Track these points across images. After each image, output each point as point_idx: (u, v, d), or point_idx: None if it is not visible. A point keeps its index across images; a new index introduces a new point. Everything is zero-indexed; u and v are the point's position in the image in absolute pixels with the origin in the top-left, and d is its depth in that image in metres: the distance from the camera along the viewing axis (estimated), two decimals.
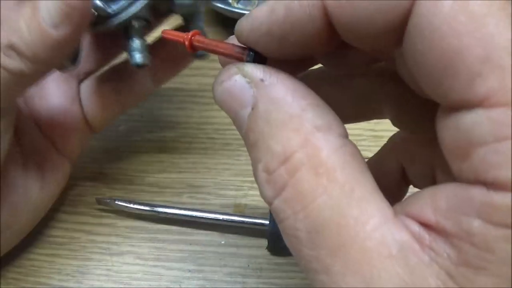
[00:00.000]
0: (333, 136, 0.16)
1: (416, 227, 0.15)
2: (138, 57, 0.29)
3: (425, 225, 0.15)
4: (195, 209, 0.37)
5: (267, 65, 0.18)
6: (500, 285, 0.14)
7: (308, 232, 0.16)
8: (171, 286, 0.35)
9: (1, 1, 0.28)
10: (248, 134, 0.18)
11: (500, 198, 0.13)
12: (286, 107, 0.17)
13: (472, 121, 0.14)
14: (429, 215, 0.15)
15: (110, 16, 0.27)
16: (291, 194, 0.16)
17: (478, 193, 0.14)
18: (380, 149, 0.26)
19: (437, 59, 0.14)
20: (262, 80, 0.17)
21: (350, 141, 0.17)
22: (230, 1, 0.49)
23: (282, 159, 0.17)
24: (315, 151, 0.16)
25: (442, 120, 0.15)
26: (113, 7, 0.27)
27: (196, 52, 0.21)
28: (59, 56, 0.28)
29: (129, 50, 0.29)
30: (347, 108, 0.23)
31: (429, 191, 0.16)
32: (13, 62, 0.26)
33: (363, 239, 0.15)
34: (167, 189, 0.39)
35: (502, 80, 0.13)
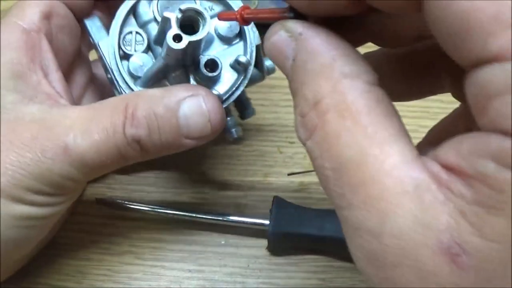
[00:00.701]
0: (360, 82, 0.18)
1: (437, 168, 0.16)
2: (235, 132, 0.33)
3: (447, 166, 0.16)
4: (195, 209, 0.37)
5: (307, 21, 0.20)
6: (510, 226, 0.14)
7: (333, 170, 0.17)
8: (171, 286, 0.35)
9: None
10: (290, 83, 0.20)
11: None
12: (319, 57, 0.19)
13: (488, 75, 0.14)
14: (451, 158, 0.16)
15: (222, 101, 0.30)
16: (319, 135, 0.18)
17: (495, 139, 0.15)
18: (451, 112, 0.27)
19: (452, 21, 0.15)
20: (300, 34, 0.19)
21: (378, 87, 0.18)
22: None
23: (312, 104, 0.18)
24: (342, 96, 0.18)
25: (466, 79, 0.16)
26: (221, 93, 0.30)
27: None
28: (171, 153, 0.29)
29: (226, 128, 0.33)
30: (410, 85, 0.24)
31: (457, 138, 0.16)
32: (133, 154, 0.28)
33: (381, 177, 0.16)
34: (167, 189, 0.39)
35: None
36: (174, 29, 0.26)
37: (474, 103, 0.15)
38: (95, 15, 0.32)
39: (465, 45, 0.15)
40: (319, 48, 0.19)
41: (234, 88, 0.30)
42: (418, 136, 0.26)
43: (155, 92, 0.28)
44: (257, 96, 0.41)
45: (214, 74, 0.29)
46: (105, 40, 0.31)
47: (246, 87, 0.31)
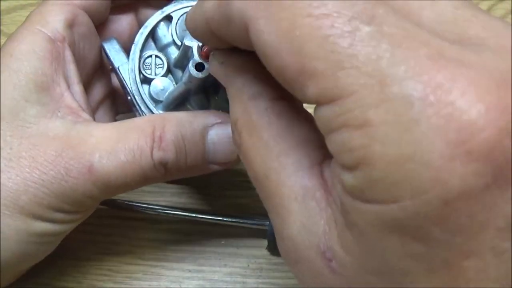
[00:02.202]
0: (261, 101, 0.19)
1: (328, 173, 0.17)
2: None
3: None
4: (195, 209, 0.37)
5: (229, 49, 0.21)
6: (356, 245, 0.16)
7: (253, 181, 0.20)
8: (171, 286, 0.35)
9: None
10: None
11: (346, 176, 0.15)
12: (234, 83, 0.21)
13: (316, 115, 0.16)
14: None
15: None
16: (241, 152, 0.20)
17: (336, 167, 0.16)
18: None
19: (275, 74, 0.16)
20: (222, 62, 0.22)
21: (280, 101, 0.19)
22: None
23: (234, 125, 0.20)
24: (248, 116, 0.19)
25: None
26: None
27: None
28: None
29: None
30: None
31: None
32: (157, 176, 0.28)
33: (280, 187, 0.18)
34: (167, 189, 0.39)
35: (317, 85, 0.15)
36: (197, 58, 0.27)
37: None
38: (112, 37, 0.32)
39: (292, 91, 0.16)
40: (233, 75, 0.21)
41: None
42: None
43: (183, 115, 0.28)
44: None
45: None
46: (126, 64, 0.30)
47: None
